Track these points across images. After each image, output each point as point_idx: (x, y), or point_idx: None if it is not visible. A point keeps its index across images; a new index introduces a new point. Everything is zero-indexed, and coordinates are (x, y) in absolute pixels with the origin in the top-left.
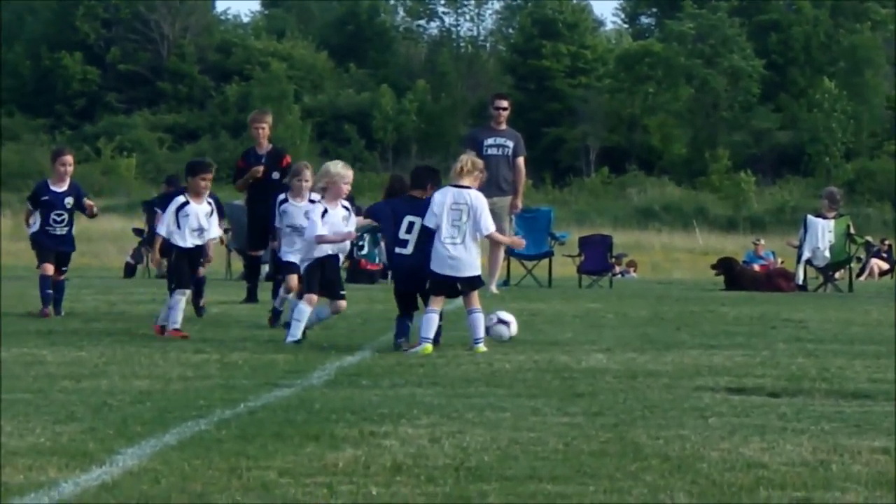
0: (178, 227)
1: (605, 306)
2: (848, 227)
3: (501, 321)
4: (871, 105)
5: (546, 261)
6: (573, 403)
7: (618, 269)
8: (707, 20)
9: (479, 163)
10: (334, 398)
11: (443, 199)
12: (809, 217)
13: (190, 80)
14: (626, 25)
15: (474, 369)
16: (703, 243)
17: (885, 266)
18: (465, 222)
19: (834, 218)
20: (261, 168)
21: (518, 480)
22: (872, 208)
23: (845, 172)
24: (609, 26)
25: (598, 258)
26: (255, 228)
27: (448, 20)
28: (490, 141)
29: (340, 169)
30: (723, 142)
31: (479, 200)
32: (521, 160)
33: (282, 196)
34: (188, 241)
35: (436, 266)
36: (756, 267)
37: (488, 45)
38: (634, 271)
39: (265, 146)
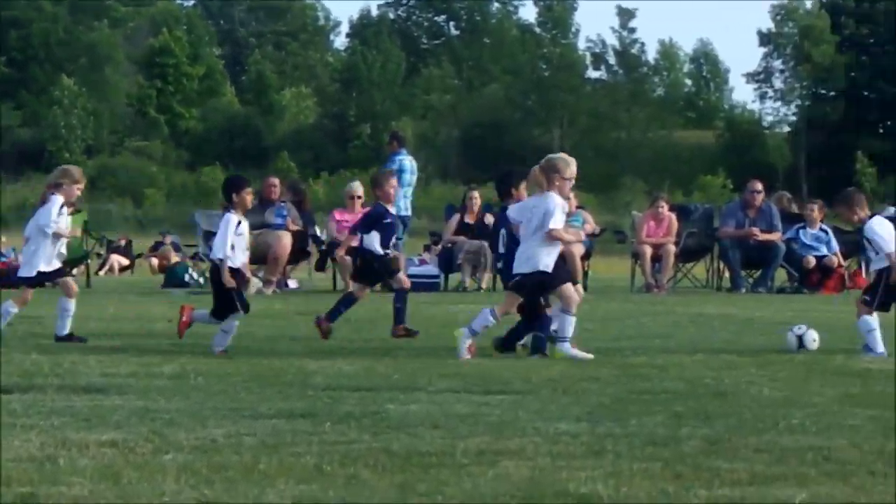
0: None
1: None
2: (85, 222)
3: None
4: (111, 102)
5: None
6: None
7: None
8: None
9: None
10: None
11: None
12: None
13: None
14: None
15: None
16: None
17: (126, 261)
18: None
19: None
20: None
21: None
22: (114, 204)
23: (86, 169)
24: None
25: None
26: None
27: None
28: None
29: None
30: None
31: None
32: None
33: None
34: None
35: None
36: None
37: None
38: None
39: None
